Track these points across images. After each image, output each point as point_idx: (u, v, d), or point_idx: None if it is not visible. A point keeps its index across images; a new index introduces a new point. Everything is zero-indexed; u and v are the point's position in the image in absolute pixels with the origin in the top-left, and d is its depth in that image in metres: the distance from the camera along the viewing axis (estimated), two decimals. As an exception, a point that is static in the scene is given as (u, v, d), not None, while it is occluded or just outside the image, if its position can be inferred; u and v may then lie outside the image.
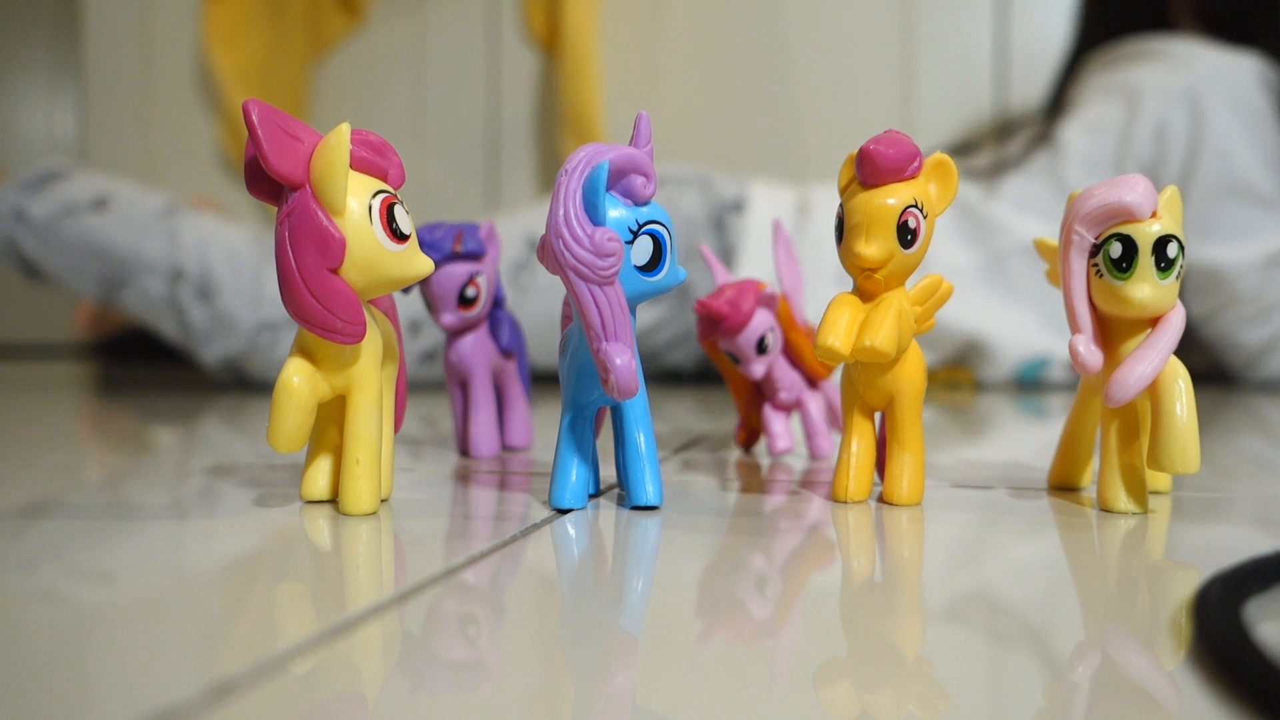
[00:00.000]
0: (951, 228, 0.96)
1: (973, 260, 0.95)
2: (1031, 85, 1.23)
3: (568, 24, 1.30)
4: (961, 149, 1.10)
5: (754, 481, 0.44)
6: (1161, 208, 0.35)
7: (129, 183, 0.92)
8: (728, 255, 0.96)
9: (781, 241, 0.49)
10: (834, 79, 1.29)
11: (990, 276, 0.95)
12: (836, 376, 0.52)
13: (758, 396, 0.50)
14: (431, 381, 0.93)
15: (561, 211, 0.32)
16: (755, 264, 0.95)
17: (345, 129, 0.32)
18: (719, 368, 0.50)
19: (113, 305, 0.88)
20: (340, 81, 1.46)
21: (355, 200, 0.32)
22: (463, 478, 0.44)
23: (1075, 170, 0.96)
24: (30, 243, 0.82)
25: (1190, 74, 0.93)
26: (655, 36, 1.35)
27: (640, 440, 0.36)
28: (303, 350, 0.34)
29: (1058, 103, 1.04)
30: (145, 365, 1.20)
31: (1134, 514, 0.36)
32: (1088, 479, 0.41)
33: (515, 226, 0.97)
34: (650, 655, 0.22)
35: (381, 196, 0.33)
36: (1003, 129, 1.10)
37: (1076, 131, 0.97)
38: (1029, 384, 0.99)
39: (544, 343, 0.83)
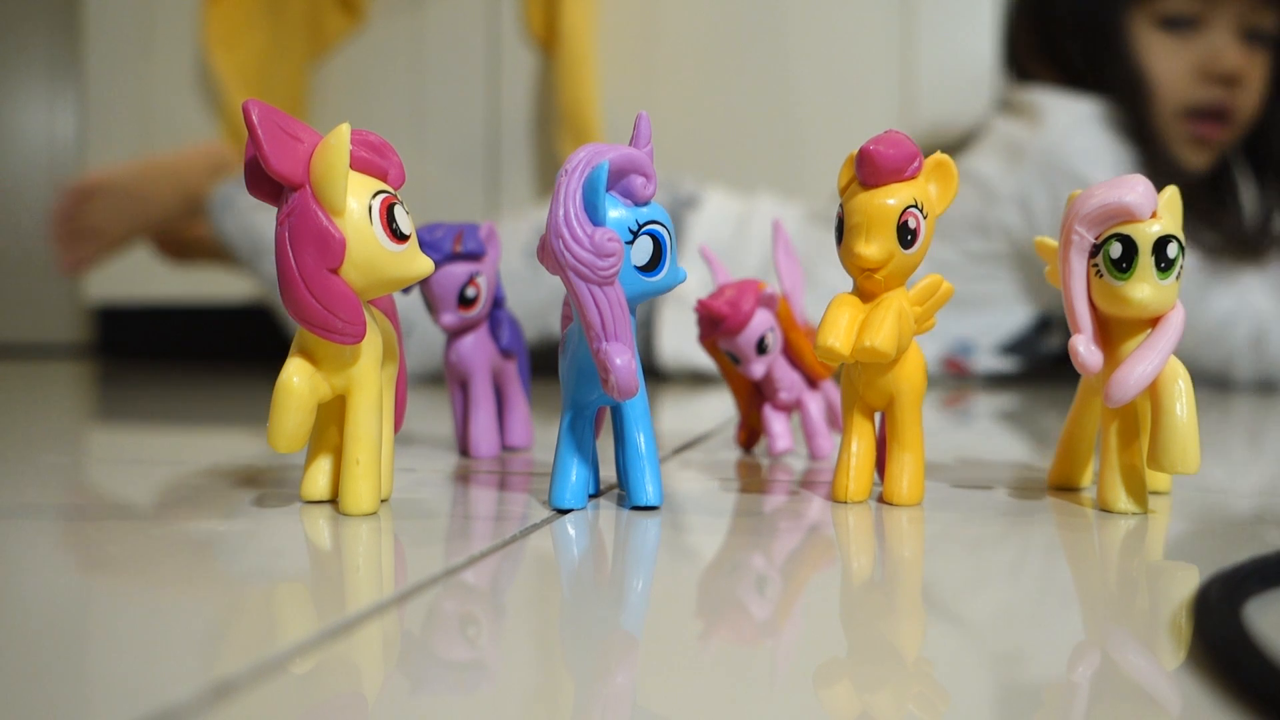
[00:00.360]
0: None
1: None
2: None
3: (565, 23, 1.30)
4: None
5: (754, 481, 0.44)
6: (1161, 208, 0.35)
7: None
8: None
9: (781, 241, 0.49)
10: (833, 79, 1.29)
11: None
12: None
13: (758, 396, 0.50)
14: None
15: (561, 211, 0.32)
16: (691, 258, 0.97)
17: (345, 129, 0.32)
18: (719, 367, 0.50)
19: (247, 271, 1.09)
20: (340, 81, 1.46)
21: (355, 200, 0.32)
22: (463, 478, 0.44)
23: (948, 226, 0.97)
24: (229, 225, 1.05)
25: (1045, 137, 0.94)
26: (653, 36, 1.35)
27: (640, 440, 0.36)
28: (303, 350, 0.34)
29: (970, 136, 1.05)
30: (145, 365, 1.20)
31: (1134, 514, 0.36)
32: (1088, 479, 0.41)
33: (523, 225, 1.03)
34: (650, 655, 0.22)
35: (381, 197, 0.33)
36: None
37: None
38: None
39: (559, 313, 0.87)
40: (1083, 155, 0.93)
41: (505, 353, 0.50)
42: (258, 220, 1.04)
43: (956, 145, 1.04)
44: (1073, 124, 0.94)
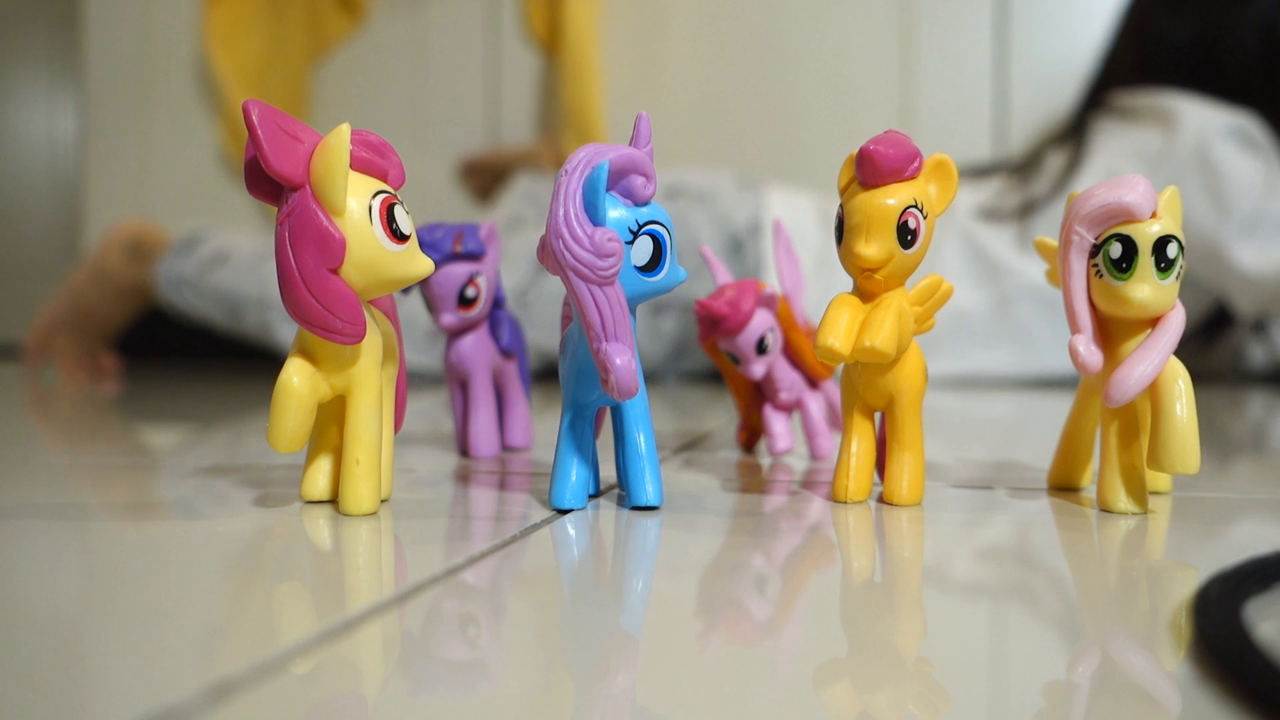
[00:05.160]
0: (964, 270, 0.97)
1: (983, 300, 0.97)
2: (1030, 88, 1.23)
3: (568, 24, 1.30)
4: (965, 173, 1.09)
5: (754, 481, 0.44)
6: (1161, 208, 0.35)
7: (247, 236, 1.14)
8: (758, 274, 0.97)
9: (782, 241, 0.49)
10: (834, 79, 1.29)
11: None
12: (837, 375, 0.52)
13: (758, 397, 0.50)
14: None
15: (561, 212, 0.32)
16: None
17: (345, 129, 0.32)
18: (719, 368, 0.50)
19: (239, 333, 1.10)
20: (340, 82, 1.46)
21: (355, 200, 0.32)
22: (463, 478, 0.44)
23: None
24: (188, 296, 1.09)
25: (1193, 132, 0.94)
26: (656, 36, 1.35)
27: (640, 440, 0.36)
28: (303, 350, 0.34)
29: (1077, 137, 1.03)
30: (145, 365, 1.20)
31: (1134, 514, 0.36)
32: (1088, 479, 0.41)
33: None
34: (650, 655, 0.22)
35: (381, 197, 0.33)
36: (1021, 164, 1.08)
37: (1093, 182, 0.97)
38: None
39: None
40: (1228, 155, 0.93)
41: (505, 353, 0.50)
42: (220, 281, 1.06)
43: (1076, 137, 1.03)
44: (1215, 127, 0.94)
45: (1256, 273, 0.93)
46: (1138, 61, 1.06)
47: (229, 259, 1.09)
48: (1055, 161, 1.02)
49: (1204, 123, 0.94)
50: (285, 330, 1.04)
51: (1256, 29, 1.00)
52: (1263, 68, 1.00)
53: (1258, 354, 1.10)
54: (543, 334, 0.95)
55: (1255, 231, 0.92)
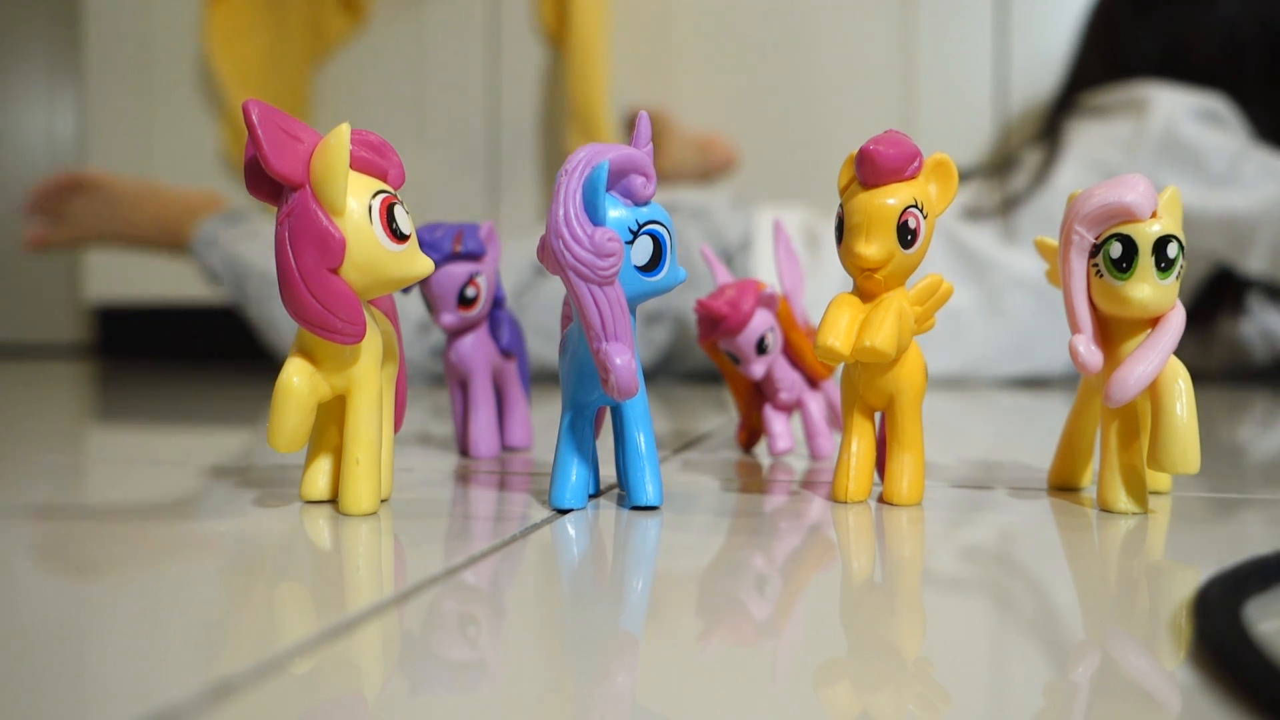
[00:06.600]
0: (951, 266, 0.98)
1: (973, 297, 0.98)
2: (1031, 88, 1.23)
3: (576, 19, 1.29)
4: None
5: (754, 481, 0.44)
6: (1162, 208, 0.35)
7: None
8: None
9: (781, 241, 0.49)
10: (840, 78, 1.29)
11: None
12: (837, 375, 0.52)
13: (758, 396, 0.50)
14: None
15: (561, 211, 0.32)
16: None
17: (345, 129, 0.32)
18: (719, 368, 0.50)
19: (243, 306, 1.11)
20: (341, 82, 1.46)
21: (355, 200, 0.32)
22: (463, 478, 0.44)
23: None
24: (214, 258, 1.11)
25: (1162, 115, 0.96)
26: (665, 34, 1.35)
27: (640, 440, 0.36)
28: (303, 350, 0.34)
29: (1051, 136, 1.05)
30: (145, 365, 1.20)
31: (1134, 514, 0.36)
32: (1088, 479, 0.41)
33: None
34: (650, 655, 0.22)
35: (381, 196, 0.33)
36: (1000, 163, 1.11)
37: (1071, 172, 0.99)
38: None
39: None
40: (1196, 131, 0.95)
41: (505, 353, 0.50)
42: (240, 250, 1.08)
43: (1050, 141, 1.04)
44: (1183, 108, 0.96)
45: (1244, 211, 0.92)
46: (1106, 68, 1.07)
47: (258, 236, 1.11)
48: (1033, 159, 1.03)
49: (1173, 106, 0.96)
50: (277, 304, 1.04)
51: (1222, 32, 1.02)
52: (1229, 70, 1.01)
53: (1258, 346, 1.10)
54: (535, 338, 0.95)
55: (1233, 184, 0.93)
